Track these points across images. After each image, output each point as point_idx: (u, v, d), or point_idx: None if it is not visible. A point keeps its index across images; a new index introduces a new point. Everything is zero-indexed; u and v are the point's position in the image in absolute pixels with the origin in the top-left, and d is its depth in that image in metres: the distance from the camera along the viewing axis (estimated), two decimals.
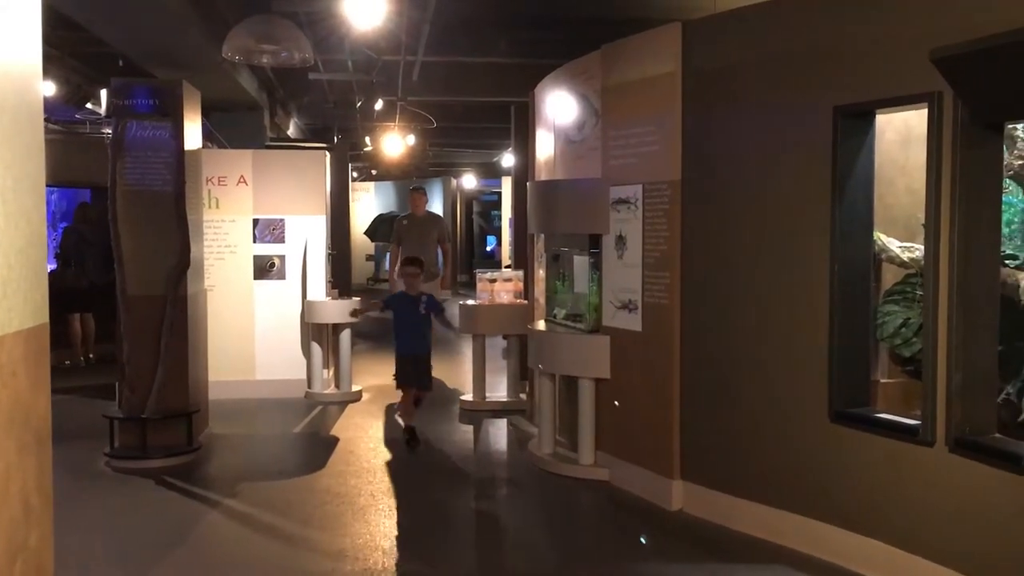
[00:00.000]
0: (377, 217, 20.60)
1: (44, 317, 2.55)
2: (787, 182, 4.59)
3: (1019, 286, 3.91)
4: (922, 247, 4.10)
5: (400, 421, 7.06)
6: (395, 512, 5.21)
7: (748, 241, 4.80)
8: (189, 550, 4.64)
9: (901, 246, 4.47)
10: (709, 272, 5.05)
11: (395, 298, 7.00)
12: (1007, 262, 3.93)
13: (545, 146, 6.74)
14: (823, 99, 4.34)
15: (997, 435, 3.73)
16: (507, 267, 10.90)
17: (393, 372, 6.91)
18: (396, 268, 8.83)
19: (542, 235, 6.87)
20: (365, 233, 20.14)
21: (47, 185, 8.40)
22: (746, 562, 4.44)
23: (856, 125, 4.28)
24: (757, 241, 4.75)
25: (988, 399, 3.80)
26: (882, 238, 4.47)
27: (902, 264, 4.46)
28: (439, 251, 9.84)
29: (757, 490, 4.76)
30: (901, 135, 4.52)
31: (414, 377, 6.72)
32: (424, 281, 8.20)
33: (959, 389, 3.76)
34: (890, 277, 4.54)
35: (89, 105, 9.15)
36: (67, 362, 9.74)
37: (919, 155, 4.10)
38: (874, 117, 4.30)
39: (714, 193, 5.02)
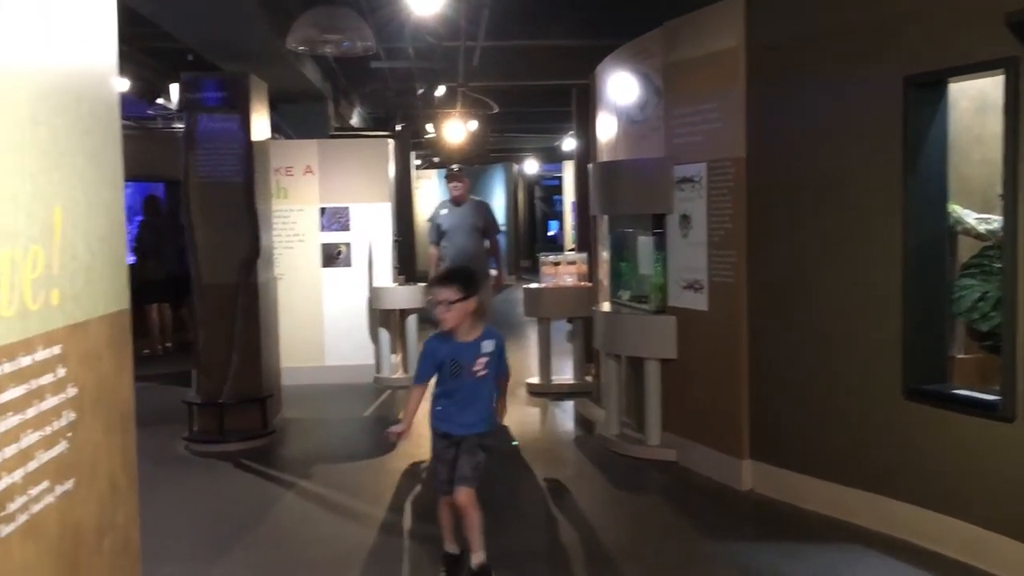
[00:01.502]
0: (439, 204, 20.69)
1: (126, 303, 2.64)
2: (857, 155, 4.50)
3: None
4: (999, 219, 3.99)
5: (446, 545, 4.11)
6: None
7: (817, 216, 4.72)
8: (267, 528, 4.76)
9: (978, 218, 4.35)
10: (776, 249, 4.98)
11: (436, 348, 3.78)
12: None
13: (607, 127, 6.70)
14: (893, 69, 4.24)
15: None
16: (570, 250, 10.86)
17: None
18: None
19: (605, 216, 6.85)
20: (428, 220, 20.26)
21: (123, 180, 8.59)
22: (818, 541, 4.39)
23: (928, 95, 4.18)
24: (827, 216, 4.67)
25: None
26: (957, 210, 4.35)
27: (978, 236, 4.34)
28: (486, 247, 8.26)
29: (829, 468, 4.69)
30: (976, 103, 4.39)
31: (451, 473, 3.82)
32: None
33: None
34: (966, 250, 4.43)
35: (160, 100, 9.38)
36: (146, 351, 10.04)
37: (995, 124, 3.98)
38: (946, 86, 4.19)
39: (780, 169, 4.95)
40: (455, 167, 8.73)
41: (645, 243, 6.11)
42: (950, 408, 4.09)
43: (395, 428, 3.80)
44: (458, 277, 3.74)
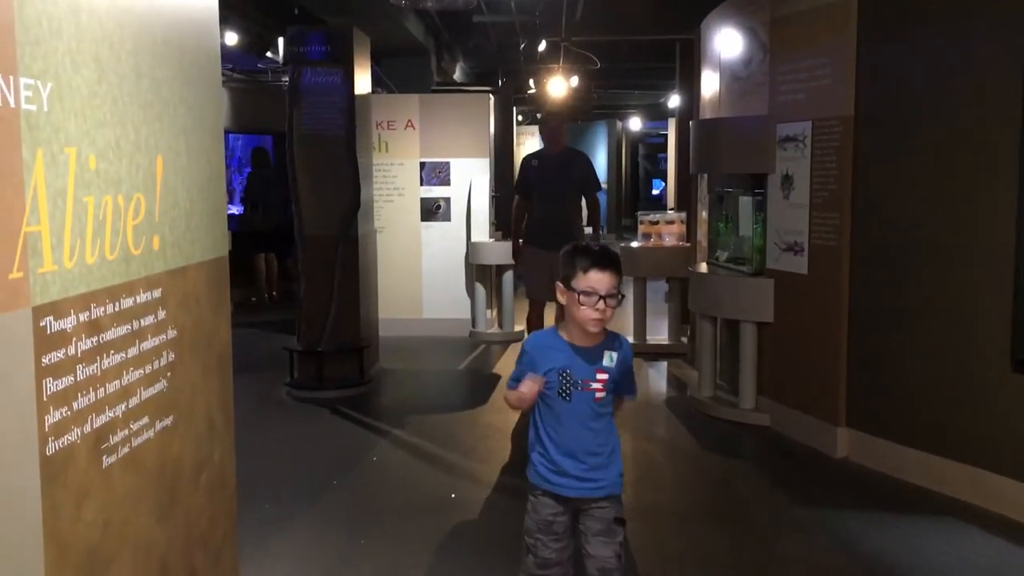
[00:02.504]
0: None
1: (224, 251, 2.74)
2: (974, 115, 4.28)
3: None
4: None
5: None
6: None
7: (927, 179, 4.53)
8: (360, 474, 4.92)
9: None
10: (882, 212, 4.80)
11: (540, 350, 2.71)
12: None
13: (711, 84, 6.55)
14: (1013, 25, 4.00)
15: None
16: (671, 210, 10.71)
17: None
18: (521, 238, 6.65)
19: (705, 176, 6.72)
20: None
21: (233, 132, 8.92)
22: (913, 512, 4.28)
23: None
24: (937, 179, 4.47)
25: None
26: None
27: None
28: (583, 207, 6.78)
29: (928, 439, 4.55)
30: None
31: (562, 554, 2.74)
32: (558, 248, 5.95)
33: None
34: None
35: (269, 54, 9.60)
36: (253, 299, 10.41)
37: None
38: None
39: (890, 128, 4.75)
40: (549, 110, 7.89)
41: (745, 203, 5.97)
42: None
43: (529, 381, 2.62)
44: (616, 259, 2.60)
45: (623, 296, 2.61)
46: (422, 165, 8.73)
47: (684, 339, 7.93)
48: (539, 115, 7.87)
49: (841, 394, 5.05)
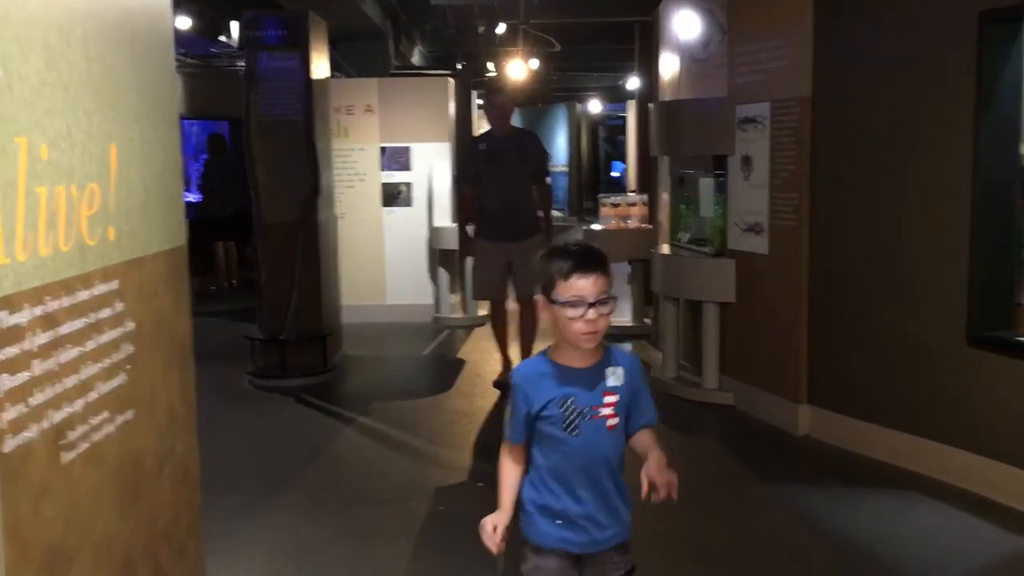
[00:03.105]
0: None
1: (182, 239, 2.69)
2: (928, 95, 4.33)
3: None
4: None
5: None
6: None
7: (883, 158, 4.58)
8: (326, 462, 4.89)
9: None
10: (840, 192, 4.86)
11: (532, 384, 2.23)
12: None
13: (670, 66, 6.56)
14: (968, 4, 4.05)
15: None
16: (632, 192, 10.74)
17: None
18: (473, 230, 6.16)
19: (666, 158, 6.74)
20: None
21: (188, 118, 8.73)
22: (873, 487, 4.35)
23: (1004, 31, 3.99)
24: (893, 157, 4.53)
25: None
26: None
27: None
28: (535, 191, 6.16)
29: (887, 415, 4.62)
30: None
31: None
32: (515, 239, 5.83)
33: None
34: None
35: (222, 38, 9.44)
36: (212, 287, 10.29)
37: None
38: (1023, 22, 4.00)
39: (847, 108, 4.80)
40: (495, 84, 7.41)
41: (706, 185, 6.01)
42: (1015, 355, 3.98)
43: (491, 521, 2.25)
44: (602, 258, 2.17)
45: (615, 299, 2.15)
46: (382, 150, 8.66)
47: (647, 320, 7.98)
48: (491, 84, 7.38)
49: (802, 372, 5.11)
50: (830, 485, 4.41)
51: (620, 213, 8.18)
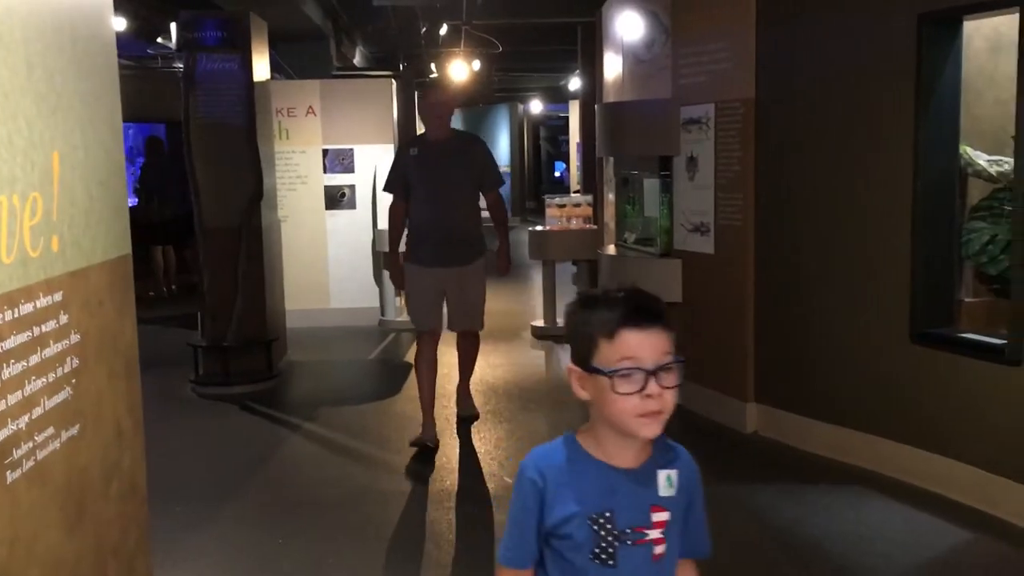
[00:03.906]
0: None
1: (127, 248, 2.62)
2: (868, 95, 4.42)
3: None
4: (1011, 160, 3.93)
5: None
6: (470, 435, 5.30)
7: (826, 159, 4.66)
8: (273, 469, 4.81)
9: (989, 160, 4.29)
10: (785, 192, 4.93)
11: (554, 485, 1.57)
12: None
13: (613, 67, 6.59)
14: (906, 7, 4.14)
15: None
16: (576, 192, 10.78)
17: None
18: (402, 254, 5.18)
19: (611, 158, 6.78)
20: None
21: (124, 121, 8.51)
22: (820, 482, 4.42)
23: (941, 33, 4.09)
24: (835, 158, 4.60)
25: None
26: (969, 152, 4.29)
27: (989, 178, 4.29)
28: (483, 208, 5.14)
29: (833, 411, 4.70)
30: (990, 43, 4.29)
31: None
32: (449, 263, 4.96)
33: None
34: (977, 192, 4.37)
35: (159, 39, 9.24)
36: (151, 293, 10.06)
37: (1009, 64, 3.90)
38: (961, 24, 4.09)
39: (790, 110, 4.87)
40: (432, 80, 6.65)
41: (651, 185, 6.05)
42: (957, 352, 4.08)
43: None
44: (660, 307, 1.56)
45: (683, 363, 1.52)
46: (325, 152, 8.55)
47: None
48: (427, 80, 6.20)
49: (749, 371, 5.18)
50: (778, 482, 4.47)
51: (565, 214, 8.21)
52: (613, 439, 1.56)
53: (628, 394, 1.49)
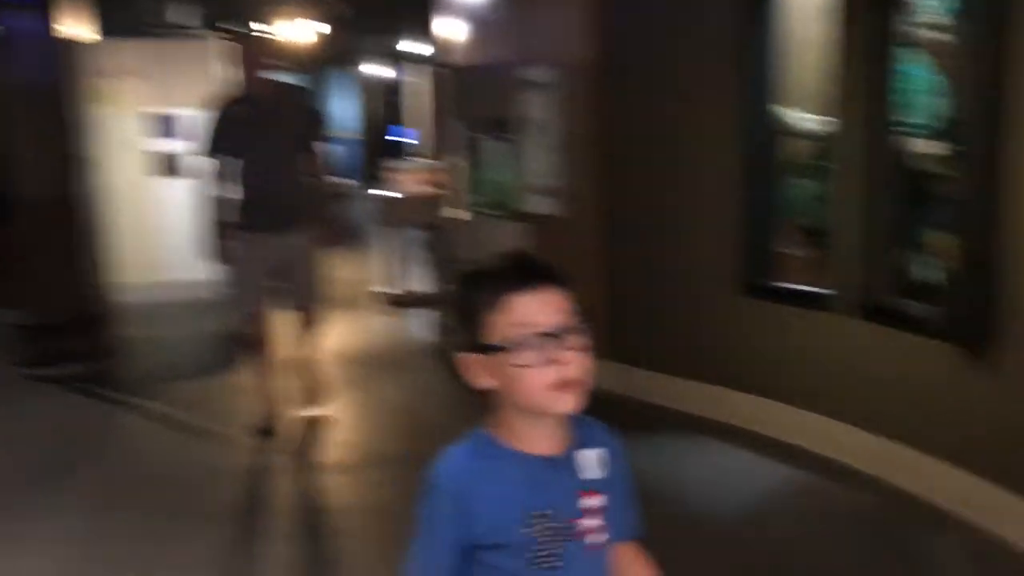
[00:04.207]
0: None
1: None
2: (696, 57, 4.56)
3: (917, 154, 3.99)
4: (827, 119, 4.14)
5: None
6: (322, 405, 5.19)
7: (662, 118, 4.79)
8: (112, 449, 4.63)
9: (807, 119, 4.51)
10: (627, 151, 5.03)
11: (468, 492, 1.37)
12: (907, 131, 4.00)
13: (456, 29, 6.54)
14: None
15: (899, 298, 3.87)
16: (422, 157, 10.69)
17: None
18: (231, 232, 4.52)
19: (457, 122, 6.74)
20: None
21: None
22: (663, 433, 4.58)
23: None
24: (672, 116, 4.73)
25: (890, 265, 3.93)
26: (787, 111, 4.50)
27: (807, 137, 4.51)
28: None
29: (678, 365, 4.88)
30: (807, 6, 4.50)
31: None
32: (281, 230, 4.45)
33: (863, 257, 3.88)
34: (796, 150, 4.60)
35: None
36: None
37: (824, 27, 4.10)
38: None
39: (631, 70, 4.97)
40: (251, 30, 6.12)
41: (498, 148, 6.07)
42: (784, 302, 4.31)
43: None
44: (549, 266, 1.41)
45: (589, 322, 1.37)
46: (147, 116, 8.03)
47: (446, 286, 8.00)
48: (244, 29, 5.74)
49: (600, 329, 5.26)
50: (628, 436, 4.58)
51: (412, 179, 8.13)
52: (529, 426, 1.38)
53: (533, 365, 1.32)
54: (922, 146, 3.94)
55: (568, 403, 1.35)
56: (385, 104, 25.79)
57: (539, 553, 1.35)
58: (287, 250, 4.50)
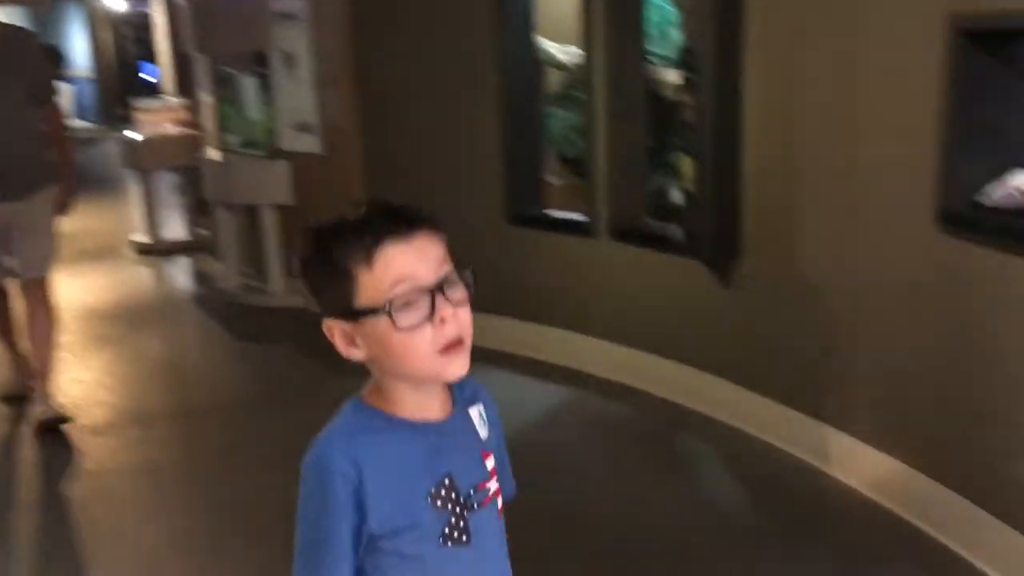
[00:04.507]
0: None
1: None
2: None
3: (663, 82, 4.22)
4: (580, 50, 4.28)
5: None
6: (76, 363, 4.84)
7: (420, 48, 4.75)
8: None
9: (561, 50, 4.64)
10: (386, 85, 4.97)
11: (365, 473, 1.17)
12: (653, 61, 4.21)
13: None
14: None
15: (651, 220, 4.12)
16: (169, 95, 10.03)
17: None
18: None
19: (203, 57, 6.36)
20: None
21: None
22: None
23: None
24: (430, 49, 4.71)
25: (641, 190, 4.16)
26: (545, 42, 4.60)
27: (563, 68, 4.65)
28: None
29: None
30: None
31: None
32: (19, 197, 3.87)
33: (616, 183, 4.09)
34: (555, 81, 4.73)
35: None
36: None
37: None
38: None
39: (386, 1, 4.88)
40: None
41: (249, 84, 5.80)
42: (548, 230, 4.47)
43: None
44: (418, 212, 1.26)
45: (471, 274, 1.25)
46: None
47: (204, 231, 7.63)
48: None
49: None
50: None
51: (159, 119, 7.62)
52: (411, 394, 1.22)
53: (417, 326, 1.15)
54: (667, 75, 4.18)
55: (460, 366, 1.20)
56: (136, 40, 23.91)
57: (447, 531, 1.20)
58: (8, 216, 3.90)
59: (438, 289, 1.17)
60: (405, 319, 1.15)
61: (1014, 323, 2.53)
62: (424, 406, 1.23)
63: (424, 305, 1.16)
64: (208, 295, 6.23)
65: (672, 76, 4.12)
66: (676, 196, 4.10)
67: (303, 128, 5.37)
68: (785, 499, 3.26)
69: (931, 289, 2.82)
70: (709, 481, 3.58)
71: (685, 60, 3.85)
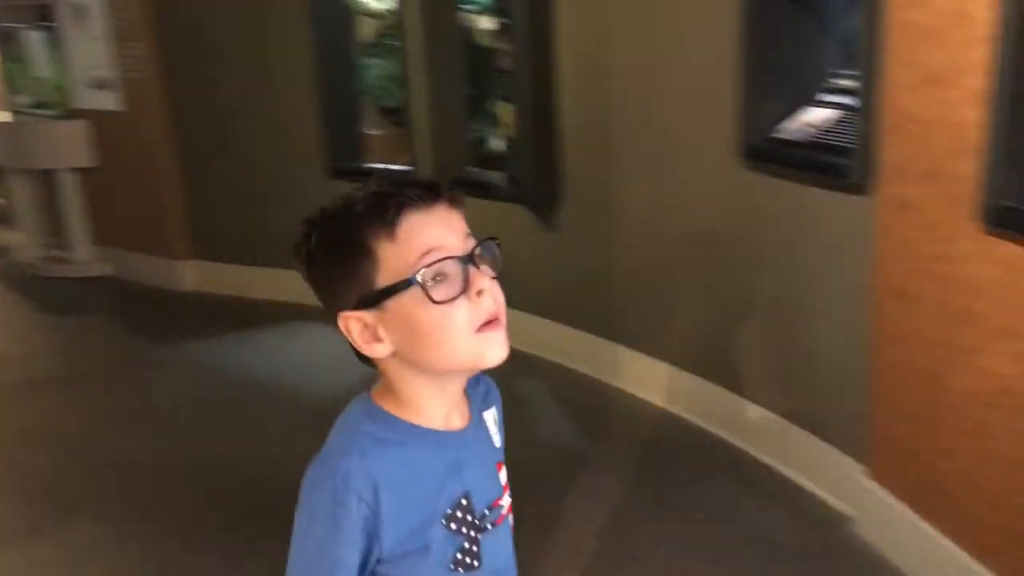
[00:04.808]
0: None
1: None
2: None
3: (478, 30, 4.22)
4: None
5: None
6: None
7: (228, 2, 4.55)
8: None
9: None
10: (191, 38, 4.72)
11: (381, 490, 1.00)
12: (468, 8, 4.19)
13: None
14: None
15: (473, 168, 4.14)
16: None
17: None
18: None
19: None
20: None
21: None
22: (263, 325, 4.54)
23: None
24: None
25: (462, 138, 4.16)
26: None
27: (377, 16, 4.56)
28: None
29: (269, 255, 4.80)
30: None
31: None
32: None
33: (436, 132, 4.08)
34: (369, 30, 4.64)
35: None
36: None
37: None
38: None
39: None
40: None
41: (36, 40, 5.39)
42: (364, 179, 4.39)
43: None
44: (437, 183, 1.06)
45: (496, 240, 1.07)
46: None
47: None
48: None
49: (179, 228, 5.03)
50: (221, 332, 4.50)
51: None
52: (433, 396, 1.06)
53: (453, 299, 0.99)
54: (482, 22, 4.17)
55: (502, 347, 1.03)
56: None
57: (459, 556, 1.06)
58: None
59: (470, 259, 1.01)
60: (442, 291, 0.99)
61: (807, 243, 2.73)
62: (446, 411, 1.08)
63: (458, 277, 1.00)
64: (9, 267, 5.79)
65: (487, 23, 4.12)
66: (497, 143, 4.13)
67: (100, 85, 5.03)
68: (609, 425, 3.42)
69: (735, 216, 2.99)
70: (540, 416, 3.68)
71: (499, 6, 3.86)
